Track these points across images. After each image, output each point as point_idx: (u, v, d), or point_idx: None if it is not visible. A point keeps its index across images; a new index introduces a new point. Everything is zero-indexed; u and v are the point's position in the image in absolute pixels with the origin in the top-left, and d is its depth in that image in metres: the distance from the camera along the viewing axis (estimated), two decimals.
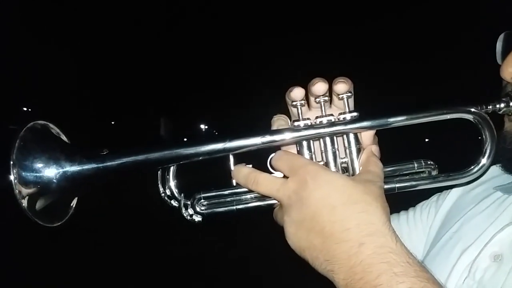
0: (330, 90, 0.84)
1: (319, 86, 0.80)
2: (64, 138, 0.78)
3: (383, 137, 0.89)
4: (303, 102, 0.82)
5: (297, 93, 0.81)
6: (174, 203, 0.85)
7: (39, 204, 0.71)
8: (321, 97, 0.82)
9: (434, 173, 0.89)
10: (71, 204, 0.78)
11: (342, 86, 0.80)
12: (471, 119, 0.81)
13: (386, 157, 0.87)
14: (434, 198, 1.24)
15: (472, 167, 0.83)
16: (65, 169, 0.72)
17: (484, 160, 0.82)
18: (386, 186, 0.81)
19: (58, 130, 0.77)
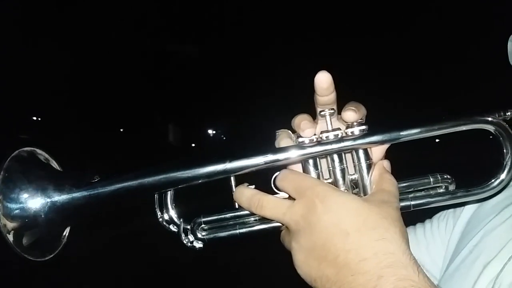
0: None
1: (327, 99, 0.76)
2: (54, 164, 0.73)
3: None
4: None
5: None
6: (173, 228, 0.80)
7: (26, 238, 0.66)
8: (327, 110, 0.76)
9: (451, 188, 0.82)
10: (64, 234, 0.73)
11: (351, 115, 0.74)
12: (492, 130, 0.74)
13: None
14: (451, 208, 1.18)
15: (493, 180, 0.77)
16: (53, 199, 0.67)
17: (503, 175, 0.75)
18: (401, 204, 0.75)
19: (46, 156, 0.72)
